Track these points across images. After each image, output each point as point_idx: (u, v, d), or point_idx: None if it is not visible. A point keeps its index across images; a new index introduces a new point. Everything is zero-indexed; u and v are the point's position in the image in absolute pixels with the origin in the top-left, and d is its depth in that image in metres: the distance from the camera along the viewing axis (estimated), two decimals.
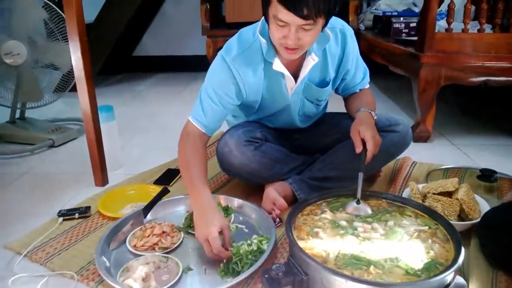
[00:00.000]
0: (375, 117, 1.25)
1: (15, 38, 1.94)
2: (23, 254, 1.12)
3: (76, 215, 1.31)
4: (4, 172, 1.74)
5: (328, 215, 1.07)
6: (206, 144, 1.23)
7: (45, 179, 1.65)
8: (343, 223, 1.04)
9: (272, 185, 1.31)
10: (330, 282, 0.83)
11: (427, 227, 1.01)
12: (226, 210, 1.28)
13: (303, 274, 0.88)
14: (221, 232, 1.02)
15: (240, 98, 1.24)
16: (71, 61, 1.45)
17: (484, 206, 1.19)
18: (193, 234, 1.19)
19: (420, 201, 1.18)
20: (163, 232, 1.16)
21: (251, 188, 1.41)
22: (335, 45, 1.23)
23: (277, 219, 1.23)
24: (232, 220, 1.23)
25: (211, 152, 1.82)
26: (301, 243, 0.94)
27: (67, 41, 1.43)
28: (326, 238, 0.97)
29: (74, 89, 1.47)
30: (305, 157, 1.40)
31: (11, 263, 1.10)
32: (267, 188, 1.30)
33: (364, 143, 1.14)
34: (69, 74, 2.10)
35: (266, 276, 0.89)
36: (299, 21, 1.00)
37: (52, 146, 2.00)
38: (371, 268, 0.86)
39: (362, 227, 1.02)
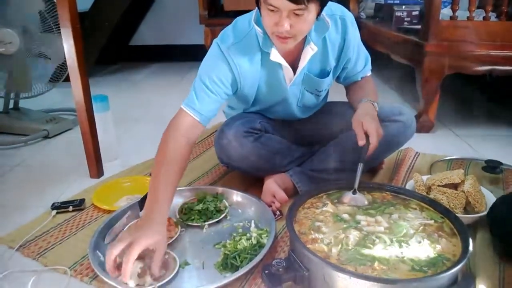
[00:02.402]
0: (378, 108, 1.21)
1: (9, 27, 1.88)
2: (15, 249, 1.09)
3: (70, 208, 1.28)
4: None
5: (329, 208, 1.03)
6: (197, 137, 1.14)
7: (39, 171, 1.61)
8: (346, 216, 1.00)
9: (272, 177, 1.27)
10: (333, 278, 0.80)
11: (432, 221, 0.97)
12: (216, 197, 1.25)
13: (305, 269, 0.84)
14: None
15: (235, 87, 1.19)
16: (64, 53, 1.40)
17: (490, 198, 1.15)
18: (192, 226, 1.16)
19: (425, 193, 1.14)
20: None
21: (250, 180, 1.37)
22: (335, 33, 1.19)
23: (277, 212, 1.20)
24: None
25: (210, 143, 1.79)
26: (302, 238, 0.91)
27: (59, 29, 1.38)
28: (328, 232, 0.94)
29: (69, 78, 1.42)
30: (305, 149, 1.37)
31: (3, 258, 1.06)
32: (267, 180, 1.26)
33: (366, 136, 1.10)
34: (64, 64, 2.05)
35: (266, 271, 0.86)
36: (289, 5, 0.95)
37: (46, 137, 1.96)
38: (376, 263, 0.83)
39: (365, 220, 0.98)
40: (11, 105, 2.10)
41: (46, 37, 1.97)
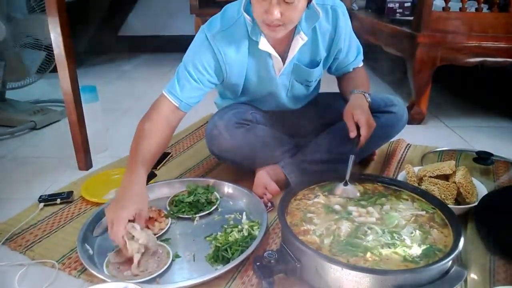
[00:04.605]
0: (369, 99, 1.20)
1: None
2: (1, 242, 1.06)
3: (58, 201, 1.25)
4: None
5: (321, 199, 1.03)
6: (178, 122, 1.15)
7: (26, 163, 1.58)
8: (337, 207, 1.00)
9: (264, 168, 1.26)
10: (325, 270, 0.80)
11: (424, 212, 0.97)
12: (207, 189, 1.24)
13: (296, 261, 0.84)
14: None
15: (220, 77, 1.18)
16: None
17: (481, 189, 1.16)
18: (183, 218, 1.15)
19: (416, 185, 1.14)
20: (150, 217, 1.11)
21: (241, 172, 1.35)
22: (326, 23, 1.17)
23: (269, 204, 1.19)
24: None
25: (200, 135, 1.77)
26: (294, 229, 0.90)
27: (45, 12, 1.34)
28: (320, 224, 0.93)
29: (57, 69, 1.39)
30: (297, 140, 1.36)
31: None
32: (258, 172, 1.25)
33: (358, 127, 1.10)
34: (52, 54, 2.00)
35: (257, 263, 0.85)
36: None
37: (33, 128, 1.92)
38: (368, 254, 0.82)
39: (357, 211, 0.98)
40: None
41: (31, 18, 1.91)
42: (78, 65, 1.43)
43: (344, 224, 0.92)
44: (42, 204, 1.23)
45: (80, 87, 1.45)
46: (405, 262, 0.81)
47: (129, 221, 0.93)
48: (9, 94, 2.09)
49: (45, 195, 1.27)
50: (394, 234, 0.89)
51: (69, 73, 1.38)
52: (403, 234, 0.89)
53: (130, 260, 0.93)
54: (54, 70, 1.45)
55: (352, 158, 1.08)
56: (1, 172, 1.52)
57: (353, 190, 1.05)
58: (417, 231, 0.90)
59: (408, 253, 0.83)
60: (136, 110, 2.15)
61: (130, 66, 3.29)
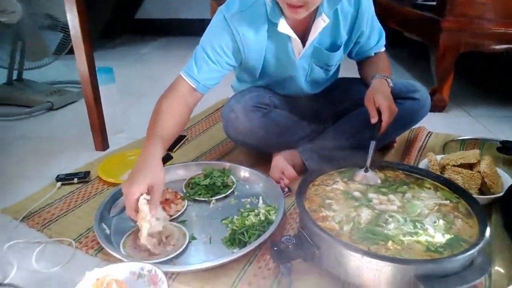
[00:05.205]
0: (391, 85, 1.16)
1: None
2: (20, 220, 1.07)
3: (75, 180, 1.26)
4: (1, 135, 1.67)
5: (340, 185, 1.00)
6: (195, 103, 1.14)
7: (43, 143, 1.59)
8: (357, 194, 0.97)
9: (281, 153, 1.24)
10: (344, 257, 0.78)
11: (448, 201, 0.94)
12: (223, 173, 1.22)
13: (315, 247, 0.82)
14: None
15: (238, 59, 1.15)
16: None
17: (506, 179, 1.12)
18: (199, 201, 1.14)
19: (439, 173, 1.11)
20: (166, 199, 1.10)
21: (258, 156, 1.34)
22: (348, 4, 1.13)
23: (286, 189, 1.17)
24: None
25: (216, 118, 1.75)
26: (312, 215, 0.88)
27: None
28: (339, 210, 0.91)
29: (73, 51, 1.38)
30: (316, 125, 1.33)
31: (7, 228, 1.05)
32: (276, 157, 1.23)
33: (379, 113, 1.07)
34: (68, 35, 1.99)
35: (275, 248, 0.83)
36: None
37: (50, 109, 1.93)
38: (389, 243, 0.80)
39: (377, 198, 0.95)
40: (14, 76, 2.06)
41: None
42: (94, 48, 1.42)
43: (364, 211, 0.90)
44: (59, 183, 1.24)
45: (96, 69, 1.44)
46: (428, 252, 0.78)
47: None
48: (26, 75, 2.10)
49: (62, 174, 1.28)
50: (417, 223, 0.86)
51: (86, 54, 1.37)
52: (426, 223, 0.86)
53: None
54: (71, 52, 1.44)
55: (373, 144, 1.05)
56: (19, 151, 1.53)
57: (374, 177, 1.02)
58: (441, 221, 0.87)
59: (431, 243, 0.80)
60: (152, 93, 2.13)
61: (146, 49, 3.28)
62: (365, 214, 0.89)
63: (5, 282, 0.85)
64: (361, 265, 0.76)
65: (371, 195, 0.96)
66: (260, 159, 1.31)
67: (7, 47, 1.96)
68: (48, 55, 2.05)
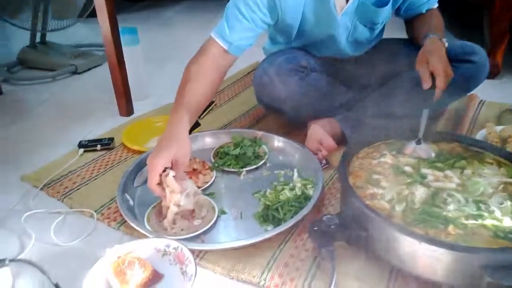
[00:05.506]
0: (447, 45, 1.01)
1: None
2: (40, 188, 1.02)
3: (98, 147, 1.19)
4: (24, 99, 1.63)
5: (388, 159, 0.89)
6: (227, 67, 1.03)
7: (66, 107, 1.54)
8: (408, 169, 0.85)
9: (318, 121, 1.13)
10: (398, 242, 0.67)
11: None
12: (254, 142, 1.13)
13: (362, 229, 0.72)
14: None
15: (274, 15, 1.04)
16: None
17: None
18: (228, 172, 1.05)
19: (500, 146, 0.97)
20: (194, 169, 1.02)
21: (292, 124, 1.23)
22: None
23: (323, 161, 1.06)
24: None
25: (247, 83, 1.64)
26: (359, 192, 0.77)
27: None
28: (388, 187, 0.80)
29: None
30: (357, 92, 1.20)
31: (26, 197, 1.00)
32: (312, 125, 1.12)
33: (432, 77, 0.93)
34: None
35: (315, 228, 0.74)
36: None
37: (74, 72, 1.87)
38: (450, 227, 0.69)
39: (432, 174, 0.83)
40: (38, 39, 2.00)
41: None
42: (117, 11, 1.32)
43: (419, 189, 0.78)
44: (82, 150, 1.18)
45: (120, 29, 1.35)
46: (495, 239, 0.67)
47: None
48: (49, 38, 2.03)
49: (85, 140, 1.22)
50: (481, 204, 0.74)
51: (108, 13, 1.28)
52: (491, 204, 0.74)
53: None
54: (94, 15, 1.35)
55: (426, 112, 0.92)
56: (41, 116, 1.48)
57: (428, 149, 0.90)
58: (508, 202, 0.75)
59: (499, 228, 0.69)
60: (178, 58, 2.02)
61: (171, 12, 3.14)
62: (420, 193, 0.77)
63: (19, 257, 0.80)
64: (417, 251, 0.66)
65: (424, 170, 0.85)
66: (295, 128, 1.21)
67: (30, 8, 1.89)
68: (74, 14, 1.97)
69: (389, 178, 0.83)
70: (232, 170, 1.06)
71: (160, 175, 0.82)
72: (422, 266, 0.67)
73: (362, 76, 1.21)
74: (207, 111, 1.40)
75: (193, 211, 0.87)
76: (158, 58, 2.04)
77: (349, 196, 0.76)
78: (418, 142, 0.91)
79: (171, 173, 0.82)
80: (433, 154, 0.90)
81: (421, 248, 0.65)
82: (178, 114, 0.89)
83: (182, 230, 0.84)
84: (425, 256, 0.66)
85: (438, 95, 0.94)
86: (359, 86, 1.21)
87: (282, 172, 1.05)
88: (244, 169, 1.05)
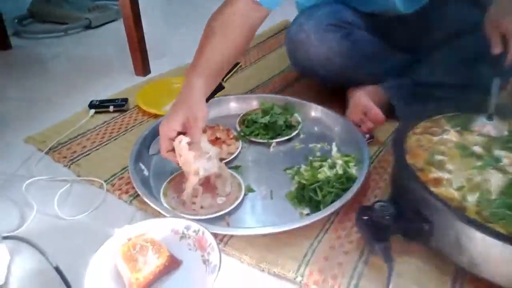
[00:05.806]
0: None
1: None
2: (45, 151, 0.91)
3: (111, 108, 1.08)
4: (34, 53, 1.52)
5: (452, 136, 0.74)
6: (258, 22, 0.83)
7: (78, 63, 1.42)
8: (477, 149, 0.71)
9: (362, 89, 0.98)
10: (472, 240, 0.54)
11: None
12: (286, 110, 1.00)
13: (424, 222, 0.58)
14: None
15: None
16: None
17: None
18: (256, 143, 0.92)
19: None
20: (217, 138, 0.90)
21: (329, 91, 1.08)
22: None
23: (367, 135, 0.92)
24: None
25: (279, 42, 1.48)
26: (420, 176, 0.63)
27: None
28: (456, 171, 0.66)
29: None
30: (408, 55, 1.04)
31: (30, 162, 0.89)
32: (356, 93, 0.97)
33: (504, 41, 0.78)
34: None
35: (364, 217, 0.61)
36: None
37: (88, 27, 1.75)
38: None
39: (508, 157, 0.69)
40: None
41: None
42: None
43: (494, 175, 0.64)
44: (92, 111, 1.06)
45: None
46: None
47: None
48: None
49: (97, 100, 1.10)
50: None
51: None
52: None
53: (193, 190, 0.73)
54: None
55: (497, 82, 0.77)
56: (52, 72, 1.37)
57: (500, 126, 0.75)
58: None
59: None
60: (196, 16, 1.88)
61: None
62: (496, 180, 0.63)
63: (19, 231, 0.69)
64: (495, 253, 0.53)
65: (498, 152, 0.70)
66: (333, 94, 1.06)
67: None
68: None
69: (455, 160, 0.68)
70: (261, 140, 0.93)
71: (174, 142, 0.71)
72: (496, 271, 0.54)
73: (415, 37, 1.04)
74: (231, 73, 1.26)
75: (215, 187, 0.75)
76: (175, 15, 1.88)
77: (409, 180, 0.62)
78: (490, 118, 0.76)
79: (184, 139, 0.70)
80: (505, 132, 0.75)
81: (503, 252, 0.51)
82: (193, 76, 0.75)
83: (201, 208, 0.73)
84: (503, 261, 0.53)
85: (510, 61, 0.79)
86: (412, 50, 1.05)
87: (318, 145, 0.91)
88: (274, 140, 0.92)
